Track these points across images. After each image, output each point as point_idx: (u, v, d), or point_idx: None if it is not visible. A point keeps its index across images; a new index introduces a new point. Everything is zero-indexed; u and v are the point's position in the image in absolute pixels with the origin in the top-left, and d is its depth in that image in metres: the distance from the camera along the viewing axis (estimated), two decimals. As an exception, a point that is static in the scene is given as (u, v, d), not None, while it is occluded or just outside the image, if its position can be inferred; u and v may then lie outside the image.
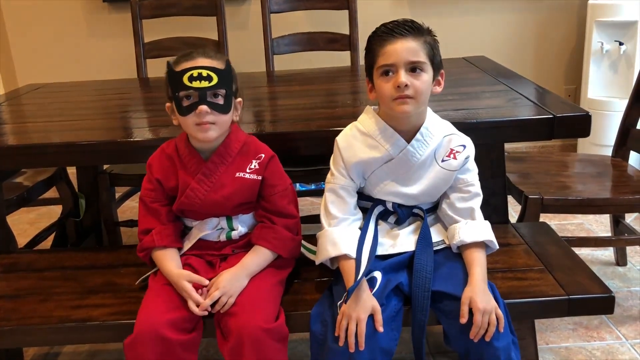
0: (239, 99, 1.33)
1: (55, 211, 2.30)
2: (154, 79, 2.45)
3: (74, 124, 1.71)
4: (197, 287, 1.25)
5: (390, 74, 1.20)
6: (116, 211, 2.28)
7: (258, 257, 1.30)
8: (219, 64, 1.26)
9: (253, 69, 2.51)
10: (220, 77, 1.24)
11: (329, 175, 1.34)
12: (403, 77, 1.18)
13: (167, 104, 1.32)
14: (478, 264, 1.24)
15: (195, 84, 1.22)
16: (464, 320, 1.15)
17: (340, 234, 1.28)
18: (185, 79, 1.22)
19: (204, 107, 1.22)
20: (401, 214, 1.33)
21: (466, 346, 1.18)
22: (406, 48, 1.18)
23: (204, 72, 1.22)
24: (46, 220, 2.61)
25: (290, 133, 1.52)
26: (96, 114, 1.89)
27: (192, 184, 1.30)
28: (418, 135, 1.27)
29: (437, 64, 1.24)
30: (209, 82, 1.23)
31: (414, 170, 1.29)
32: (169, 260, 1.29)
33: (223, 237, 1.37)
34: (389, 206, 1.33)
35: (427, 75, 1.21)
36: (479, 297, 1.17)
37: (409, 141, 1.27)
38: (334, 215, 1.30)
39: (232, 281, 1.24)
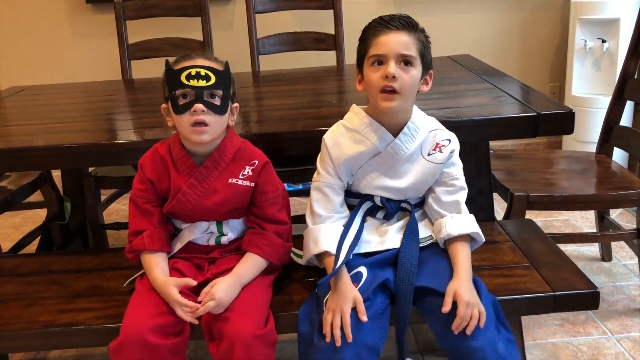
0: (236, 104, 1.32)
1: (41, 215, 2.28)
2: (138, 80, 2.43)
3: (58, 126, 1.70)
4: (185, 290, 1.24)
5: (381, 64, 1.21)
6: (102, 214, 2.26)
7: (251, 266, 1.28)
8: (218, 66, 1.26)
9: (238, 70, 2.48)
10: (218, 78, 1.24)
11: (315, 174, 1.34)
12: (392, 67, 1.19)
13: (163, 105, 1.30)
14: (463, 257, 1.25)
15: (193, 82, 1.22)
16: (446, 309, 1.15)
17: (322, 231, 1.28)
18: (182, 77, 1.22)
19: (199, 106, 1.22)
20: (390, 208, 1.34)
21: (450, 343, 1.18)
22: (399, 40, 1.20)
23: (202, 72, 1.22)
24: (31, 224, 2.59)
25: (277, 133, 1.51)
26: (80, 116, 1.87)
27: (184, 189, 1.28)
28: (405, 129, 1.28)
29: (427, 62, 1.25)
30: (207, 82, 1.22)
31: (401, 164, 1.30)
32: (157, 267, 1.27)
33: (212, 242, 1.36)
34: (377, 201, 1.34)
35: (416, 71, 1.22)
36: (464, 289, 1.17)
37: (395, 135, 1.28)
38: (318, 213, 1.31)
39: (227, 292, 1.22)
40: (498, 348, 1.16)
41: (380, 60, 1.21)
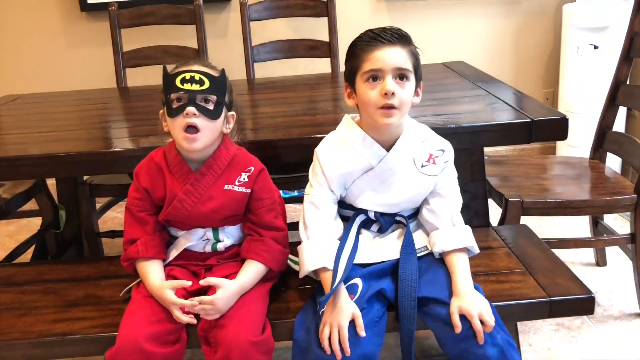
0: (232, 113, 1.33)
1: (35, 223, 2.27)
2: (133, 88, 2.43)
3: (53, 135, 1.70)
4: (178, 294, 1.24)
5: (377, 80, 1.20)
6: (97, 222, 2.25)
7: (253, 274, 1.28)
8: (213, 72, 1.27)
9: (233, 77, 2.48)
10: (213, 83, 1.25)
11: (307, 187, 1.33)
12: (390, 84, 1.18)
13: (161, 111, 1.31)
14: (460, 268, 1.24)
15: (187, 86, 1.23)
16: (458, 330, 1.14)
17: (318, 247, 1.27)
18: (177, 81, 1.23)
19: (191, 109, 1.22)
20: (383, 222, 1.33)
21: (459, 348, 1.17)
22: (394, 55, 1.19)
23: (197, 76, 1.23)
24: (26, 232, 2.58)
25: (272, 141, 1.52)
26: (75, 124, 1.87)
27: (179, 195, 1.29)
28: (397, 144, 1.27)
29: (419, 74, 1.25)
30: (200, 86, 1.23)
31: (395, 178, 1.29)
32: (152, 273, 1.28)
33: (208, 249, 1.36)
34: (371, 215, 1.33)
35: (411, 85, 1.22)
36: (469, 303, 1.16)
37: (388, 149, 1.27)
38: (311, 227, 1.29)
39: (228, 301, 1.22)
40: (506, 353, 1.15)
41: (376, 76, 1.19)
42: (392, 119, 1.21)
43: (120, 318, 1.23)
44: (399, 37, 1.20)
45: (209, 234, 1.35)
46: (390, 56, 1.18)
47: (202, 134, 1.24)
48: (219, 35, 3.04)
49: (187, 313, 1.22)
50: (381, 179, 1.29)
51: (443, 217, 1.31)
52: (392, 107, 1.19)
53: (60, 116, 1.98)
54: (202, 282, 1.24)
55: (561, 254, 2.17)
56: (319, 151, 1.31)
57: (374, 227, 1.35)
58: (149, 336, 1.17)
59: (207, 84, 1.24)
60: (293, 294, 1.36)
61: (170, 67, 1.28)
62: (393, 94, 1.18)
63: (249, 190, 1.32)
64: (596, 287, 2.08)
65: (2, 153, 1.54)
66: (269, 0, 2.59)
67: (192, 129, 1.23)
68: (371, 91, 1.20)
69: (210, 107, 1.25)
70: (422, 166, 1.29)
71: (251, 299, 1.26)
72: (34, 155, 1.50)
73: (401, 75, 1.20)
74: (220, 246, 1.36)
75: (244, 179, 1.31)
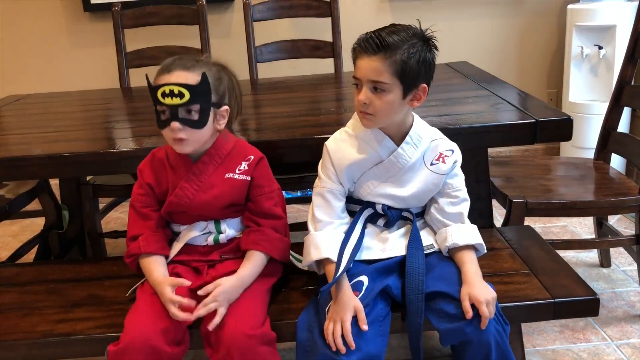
0: (225, 107, 1.32)
1: (38, 223, 2.28)
2: (136, 88, 2.43)
3: (56, 135, 1.70)
4: (181, 292, 1.24)
5: (359, 87, 1.23)
6: (100, 222, 2.26)
7: (253, 265, 1.29)
8: (193, 79, 1.24)
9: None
10: (193, 93, 1.24)
11: (317, 180, 1.34)
12: (362, 95, 1.21)
13: None
14: (470, 261, 1.26)
15: (167, 100, 1.23)
16: (469, 315, 1.16)
17: (324, 238, 1.28)
18: (159, 95, 1.24)
19: (176, 124, 1.24)
20: (391, 215, 1.33)
21: (461, 338, 1.19)
22: (370, 67, 1.19)
23: (175, 89, 1.22)
24: (29, 232, 2.59)
25: (275, 141, 1.51)
26: (78, 124, 1.87)
27: (181, 183, 1.30)
28: (407, 138, 1.28)
29: (409, 81, 1.19)
30: (180, 99, 1.23)
31: (404, 172, 1.30)
32: (155, 268, 1.29)
33: (210, 241, 1.36)
34: (379, 208, 1.34)
35: (390, 95, 1.20)
36: (478, 290, 1.18)
37: (398, 144, 1.29)
38: (319, 219, 1.31)
39: (229, 294, 1.23)
40: (505, 340, 1.20)
41: (358, 83, 1.23)
42: (367, 123, 1.25)
43: (124, 318, 1.23)
44: (381, 48, 1.17)
45: (211, 226, 1.36)
46: (367, 68, 1.20)
47: (189, 140, 1.26)
48: (222, 35, 3.04)
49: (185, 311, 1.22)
50: (390, 172, 1.30)
51: (452, 216, 1.32)
52: (366, 113, 1.22)
53: (63, 116, 1.98)
54: (200, 292, 1.23)
55: (565, 255, 2.17)
56: (329, 144, 1.33)
57: (381, 222, 1.36)
58: (156, 332, 1.18)
59: (187, 96, 1.23)
60: (295, 295, 1.36)
61: (153, 74, 1.28)
62: (365, 103, 1.21)
63: (249, 178, 1.33)
64: (600, 289, 2.07)
65: (5, 153, 1.54)
66: (272, 0, 2.59)
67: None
68: (356, 96, 1.24)
69: (195, 117, 1.25)
70: (432, 164, 1.30)
71: (249, 295, 1.26)
72: (37, 156, 1.50)
73: (375, 87, 1.20)
74: (222, 238, 1.36)
75: (244, 167, 1.33)
